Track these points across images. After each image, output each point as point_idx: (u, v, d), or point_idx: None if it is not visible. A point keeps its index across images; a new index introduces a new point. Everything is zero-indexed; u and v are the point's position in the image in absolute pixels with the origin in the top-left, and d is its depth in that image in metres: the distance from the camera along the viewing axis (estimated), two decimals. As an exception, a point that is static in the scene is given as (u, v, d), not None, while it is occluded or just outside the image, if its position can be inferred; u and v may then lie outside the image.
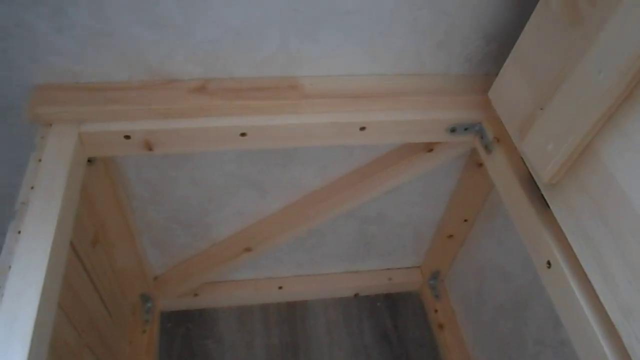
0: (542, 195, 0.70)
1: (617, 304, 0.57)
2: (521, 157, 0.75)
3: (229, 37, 0.75)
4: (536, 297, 0.92)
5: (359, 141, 0.85)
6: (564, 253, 0.66)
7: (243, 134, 0.80)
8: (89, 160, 0.80)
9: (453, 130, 0.86)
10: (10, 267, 0.58)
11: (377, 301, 1.33)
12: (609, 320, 0.58)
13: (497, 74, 0.78)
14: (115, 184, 0.90)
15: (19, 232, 0.61)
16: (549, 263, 0.68)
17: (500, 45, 0.83)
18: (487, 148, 0.83)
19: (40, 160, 0.69)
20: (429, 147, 0.93)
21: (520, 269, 0.96)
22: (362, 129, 0.83)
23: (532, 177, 0.72)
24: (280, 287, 1.28)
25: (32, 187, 0.66)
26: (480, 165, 0.97)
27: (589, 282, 0.62)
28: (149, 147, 0.79)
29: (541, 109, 0.67)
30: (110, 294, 1.00)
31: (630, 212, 0.55)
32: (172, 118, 0.78)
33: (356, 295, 1.33)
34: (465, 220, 1.12)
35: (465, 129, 0.86)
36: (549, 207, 0.69)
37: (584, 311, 0.61)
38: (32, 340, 0.53)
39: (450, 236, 1.18)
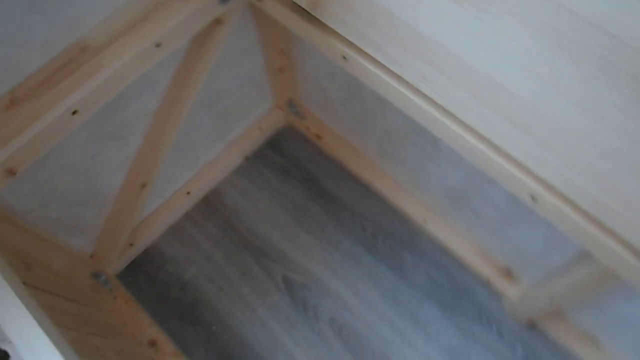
0: (307, 11, 0.88)
1: (392, 61, 0.80)
2: (283, -6, 0.91)
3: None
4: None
5: (161, 56, 0.96)
6: (349, 47, 0.86)
7: (75, 112, 0.89)
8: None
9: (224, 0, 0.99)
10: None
11: (263, 151, 1.54)
12: (395, 74, 0.82)
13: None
14: (6, 218, 0.99)
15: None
16: (344, 57, 0.89)
17: None
18: (257, -2, 0.97)
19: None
20: (217, 22, 1.05)
21: (338, 67, 1.17)
22: (158, 45, 0.94)
23: (300, 5, 0.89)
24: (188, 193, 1.44)
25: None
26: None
27: (372, 57, 0.83)
28: (12, 172, 0.88)
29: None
30: (68, 290, 1.13)
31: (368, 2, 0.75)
32: (10, 140, 0.85)
33: (246, 157, 1.53)
34: (284, 52, 1.29)
35: (233, -8, 0.99)
36: (319, 19, 0.87)
37: (380, 77, 0.84)
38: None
39: (280, 69, 1.36)
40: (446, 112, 0.80)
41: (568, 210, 0.73)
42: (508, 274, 1.28)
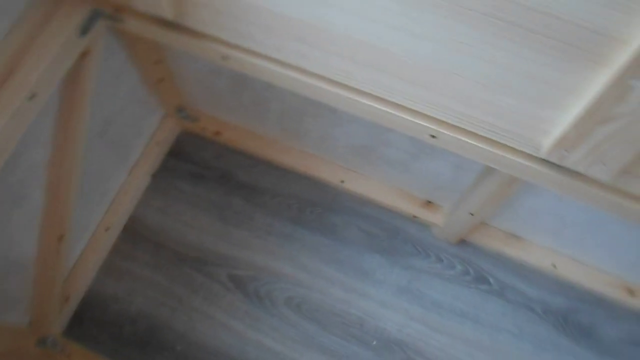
0: (174, 23, 0.88)
1: (270, 48, 0.83)
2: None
3: None
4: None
5: (39, 106, 0.92)
6: (226, 46, 0.88)
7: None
8: None
9: (84, 31, 0.96)
10: None
11: (168, 164, 1.52)
12: (276, 60, 0.85)
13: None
14: None
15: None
16: (223, 57, 0.90)
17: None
18: (118, 20, 0.95)
19: None
20: (84, 54, 1.02)
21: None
22: (33, 96, 0.90)
23: (165, 19, 0.89)
24: (107, 229, 1.41)
25: None
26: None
27: (250, 50, 0.86)
28: None
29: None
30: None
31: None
32: None
33: (153, 175, 1.51)
34: (160, 62, 1.27)
35: (91, 20, 0.96)
36: (188, 27, 0.88)
37: (263, 66, 0.87)
38: None
39: (160, 80, 1.33)
40: (333, 82, 0.85)
41: (465, 138, 0.81)
42: (429, 205, 1.38)
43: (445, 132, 0.82)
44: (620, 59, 0.58)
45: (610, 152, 0.69)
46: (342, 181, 1.42)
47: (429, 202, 1.38)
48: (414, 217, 1.40)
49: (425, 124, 0.83)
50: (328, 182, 1.44)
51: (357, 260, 1.40)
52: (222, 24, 0.84)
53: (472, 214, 1.18)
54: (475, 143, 0.81)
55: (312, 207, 1.45)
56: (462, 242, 1.40)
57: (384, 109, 0.83)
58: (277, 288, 1.38)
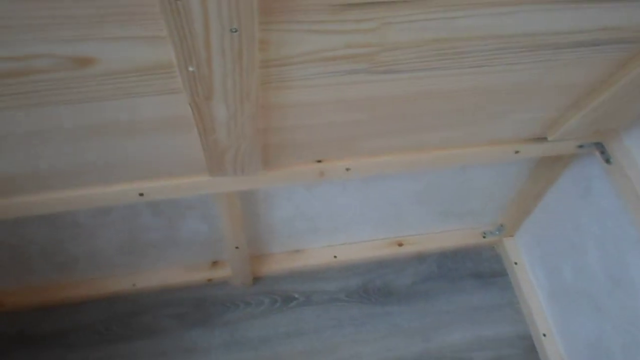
0: None
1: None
2: None
3: None
4: None
5: None
6: None
7: None
8: None
9: None
10: None
11: None
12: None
13: None
14: None
15: None
16: None
17: None
18: None
19: None
20: None
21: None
22: None
23: None
24: None
25: None
26: None
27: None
28: None
29: None
30: None
31: None
32: None
33: None
34: None
35: None
36: None
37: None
38: None
39: None
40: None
41: (163, 183, 0.99)
42: (216, 264, 1.54)
43: (147, 185, 0.99)
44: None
45: (242, 160, 0.92)
46: (134, 284, 1.51)
47: (215, 261, 1.53)
48: (209, 280, 1.53)
49: (128, 189, 0.99)
50: (122, 292, 1.52)
51: (179, 342, 1.47)
52: None
53: (237, 247, 1.36)
54: (167, 183, 0.99)
55: (117, 321, 1.50)
56: (258, 279, 1.56)
57: (86, 192, 0.98)
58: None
